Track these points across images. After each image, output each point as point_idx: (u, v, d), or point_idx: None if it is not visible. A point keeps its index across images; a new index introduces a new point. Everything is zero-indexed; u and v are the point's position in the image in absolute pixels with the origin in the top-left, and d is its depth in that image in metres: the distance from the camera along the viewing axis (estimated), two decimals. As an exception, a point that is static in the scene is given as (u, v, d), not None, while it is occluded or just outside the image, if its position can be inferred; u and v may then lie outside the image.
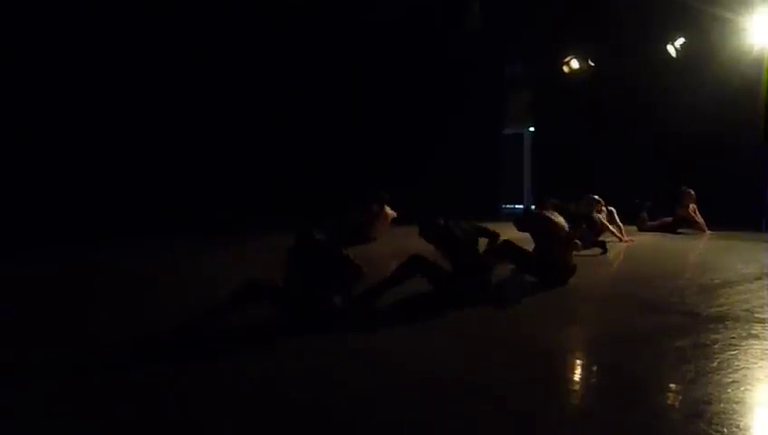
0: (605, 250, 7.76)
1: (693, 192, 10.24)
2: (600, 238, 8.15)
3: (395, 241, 8.55)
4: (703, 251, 8.65)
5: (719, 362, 3.30)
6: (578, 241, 6.59)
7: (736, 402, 2.75)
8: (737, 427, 2.48)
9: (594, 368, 3.56)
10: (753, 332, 3.91)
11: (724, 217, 10.23)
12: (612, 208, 9.10)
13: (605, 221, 8.73)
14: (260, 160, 11.48)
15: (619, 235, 8.91)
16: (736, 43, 10.85)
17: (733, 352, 3.48)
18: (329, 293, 4.17)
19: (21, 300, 5.28)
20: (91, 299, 5.31)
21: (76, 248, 8.42)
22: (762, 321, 4.20)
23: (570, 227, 5.92)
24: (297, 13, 11.68)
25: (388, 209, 9.45)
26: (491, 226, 5.54)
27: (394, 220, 9.47)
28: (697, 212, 10.31)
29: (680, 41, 11.59)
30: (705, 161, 10.93)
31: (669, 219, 10.47)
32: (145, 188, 10.27)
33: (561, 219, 5.82)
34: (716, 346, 3.61)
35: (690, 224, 10.32)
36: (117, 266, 7.12)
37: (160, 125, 10.44)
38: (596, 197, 8.77)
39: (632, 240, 9.02)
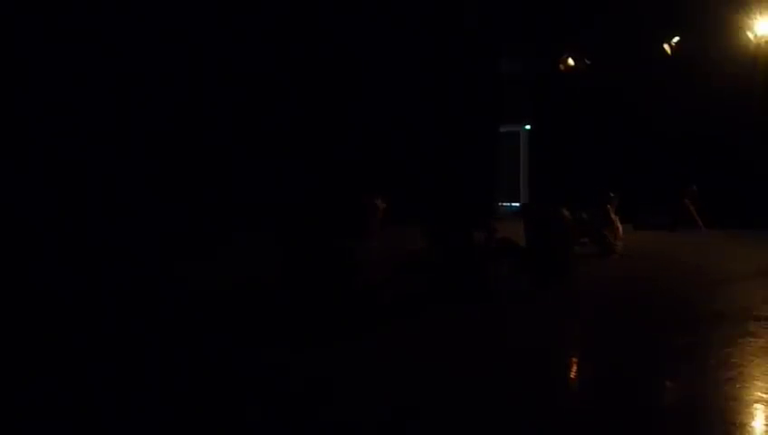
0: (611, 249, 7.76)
1: (693, 188, 10.27)
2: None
3: (393, 240, 8.54)
4: (700, 249, 8.67)
5: (716, 360, 3.34)
6: (586, 238, 6.56)
7: (733, 399, 2.78)
8: (734, 423, 2.52)
9: (591, 365, 3.59)
10: (749, 329, 3.95)
11: (721, 215, 10.26)
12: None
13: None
14: (258, 159, 11.45)
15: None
16: (731, 41, 10.88)
17: (729, 350, 3.51)
18: None
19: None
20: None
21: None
22: (758, 318, 4.24)
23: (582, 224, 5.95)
24: (294, 10, 11.66)
25: (379, 202, 9.38)
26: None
27: (393, 219, 9.40)
28: (694, 209, 10.33)
29: (675, 39, 11.63)
30: (702, 158, 10.96)
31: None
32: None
33: (566, 214, 5.83)
34: (713, 344, 3.64)
35: (687, 221, 10.34)
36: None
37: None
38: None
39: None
